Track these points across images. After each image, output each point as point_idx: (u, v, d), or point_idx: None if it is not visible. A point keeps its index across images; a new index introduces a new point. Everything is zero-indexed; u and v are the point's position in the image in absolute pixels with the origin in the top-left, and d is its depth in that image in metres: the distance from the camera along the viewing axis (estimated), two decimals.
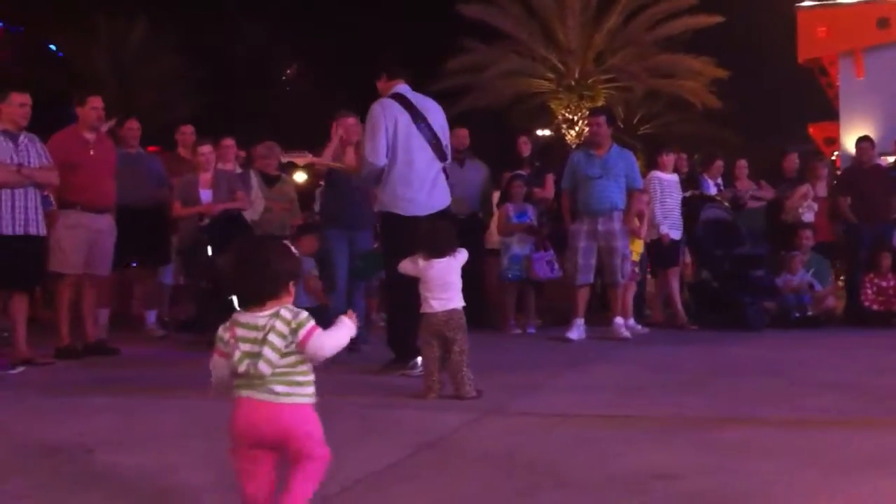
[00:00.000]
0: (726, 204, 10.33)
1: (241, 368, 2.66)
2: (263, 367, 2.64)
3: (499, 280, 9.42)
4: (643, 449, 4.03)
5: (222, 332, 2.74)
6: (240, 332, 2.69)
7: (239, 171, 8.85)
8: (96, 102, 7.67)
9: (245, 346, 2.67)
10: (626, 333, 8.48)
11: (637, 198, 8.73)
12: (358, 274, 7.70)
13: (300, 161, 7.04)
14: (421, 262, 5.31)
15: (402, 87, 6.50)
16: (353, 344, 7.35)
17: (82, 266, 7.48)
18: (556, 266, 9.06)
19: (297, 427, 2.68)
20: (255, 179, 8.51)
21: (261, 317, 2.68)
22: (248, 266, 2.76)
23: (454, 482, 3.54)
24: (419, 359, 5.79)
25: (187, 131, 9.86)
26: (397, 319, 6.31)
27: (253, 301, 2.72)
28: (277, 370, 2.66)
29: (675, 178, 9.82)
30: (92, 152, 7.57)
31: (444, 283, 5.38)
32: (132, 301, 9.94)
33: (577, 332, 8.36)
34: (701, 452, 3.98)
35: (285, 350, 2.67)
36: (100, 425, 4.70)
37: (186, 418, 4.85)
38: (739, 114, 24.06)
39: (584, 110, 23.12)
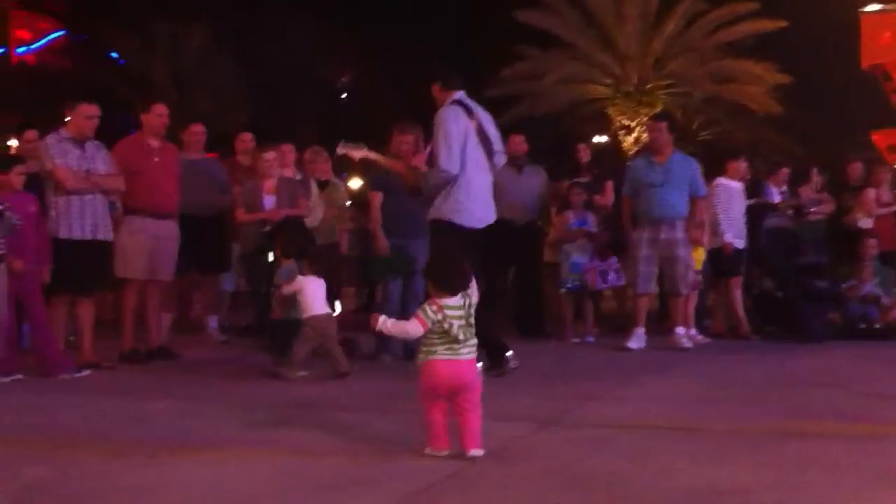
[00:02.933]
0: (789, 212, 10.15)
1: (461, 336, 3.97)
2: (469, 334, 4.01)
3: (558, 289, 9.37)
4: (705, 463, 3.97)
5: (431, 313, 3.96)
6: (448, 312, 3.97)
7: (299, 177, 8.91)
8: (161, 109, 7.79)
9: (456, 322, 3.96)
10: (688, 343, 8.37)
11: (700, 206, 8.61)
12: (379, 272, 7.67)
13: (356, 154, 7.00)
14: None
15: (460, 95, 6.52)
16: (414, 354, 7.41)
17: (146, 271, 7.60)
18: (615, 275, 8.96)
19: (475, 378, 4.04)
20: (314, 186, 8.56)
21: (457, 301, 4.00)
22: (455, 268, 4.11)
23: (512, 494, 3.54)
24: (510, 353, 6.28)
25: (246, 139, 9.94)
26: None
27: (455, 291, 4.02)
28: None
29: (740, 185, 9.64)
30: (156, 159, 7.69)
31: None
32: (193, 306, 10.08)
33: (637, 341, 8.28)
34: (763, 467, 3.92)
35: None
36: (163, 429, 4.77)
37: (247, 422, 4.91)
38: (801, 120, 23.65)
39: (641, 117, 22.91)
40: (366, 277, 7.68)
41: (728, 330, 9.51)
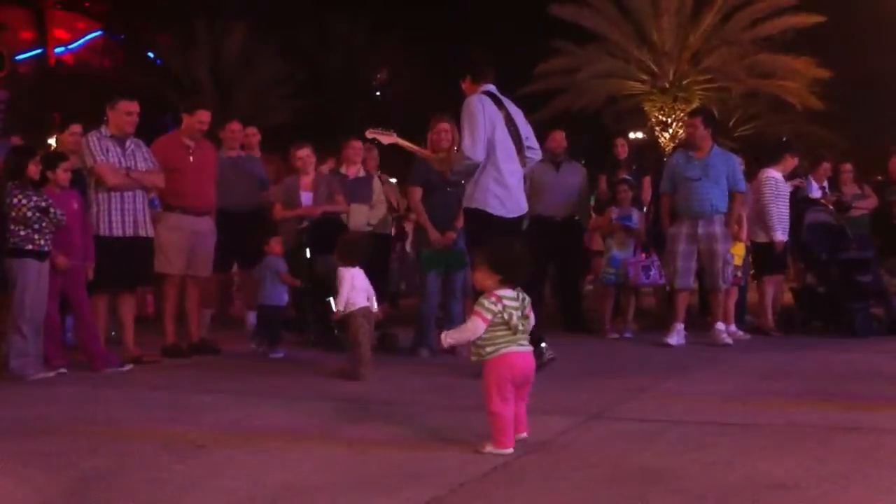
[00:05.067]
0: (831, 207, 10.01)
1: (520, 327, 3.98)
2: (526, 326, 4.03)
3: (597, 284, 9.31)
4: (754, 457, 3.93)
5: (490, 305, 3.93)
6: (507, 303, 3.95)
7: (363, 174, 8.81)
8: (204, 117, 7.83)
9: (515, 313, 3.95)
10: (728, 339, 8.28)
11: (739, 201, 8.51)
12: (434, 266, 7.62)
13: (385, 140, 7.01)
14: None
15: (490, 88, 6.48)
16: (415, 349, 7.45)
17: (184, 267, 7.66)
18: (657, 272, 8.88)
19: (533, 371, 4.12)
20: (377, 181, 8.56)
21: (515, 294, 4.00)
22: (520, 261, 4.09)
23: (559, 487, 3.51)
24: (544, 344, 6.14)
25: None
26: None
27: (516, 284, 4.02)
28: None
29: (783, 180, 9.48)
30: (192, 158, 7.75)
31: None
32: (233, 302, 10.14)
33: (676, 337, 8.20)
34: (813, 462, 3.86)
35: None
36: (210, 421, 4.79)
37: (294, 414, 4.92)
38: (842, 115, 23.36)
39: (678, 112, 22.77)
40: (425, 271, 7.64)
41: (778, 324, 9.32)
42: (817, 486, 3.45)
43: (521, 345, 4.02)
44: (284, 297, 7.63)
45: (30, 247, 6.27)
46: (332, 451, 4.13)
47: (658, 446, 4.18)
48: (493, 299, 3.96)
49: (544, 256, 9.43)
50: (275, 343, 7.54)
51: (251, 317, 9.27)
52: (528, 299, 4.07)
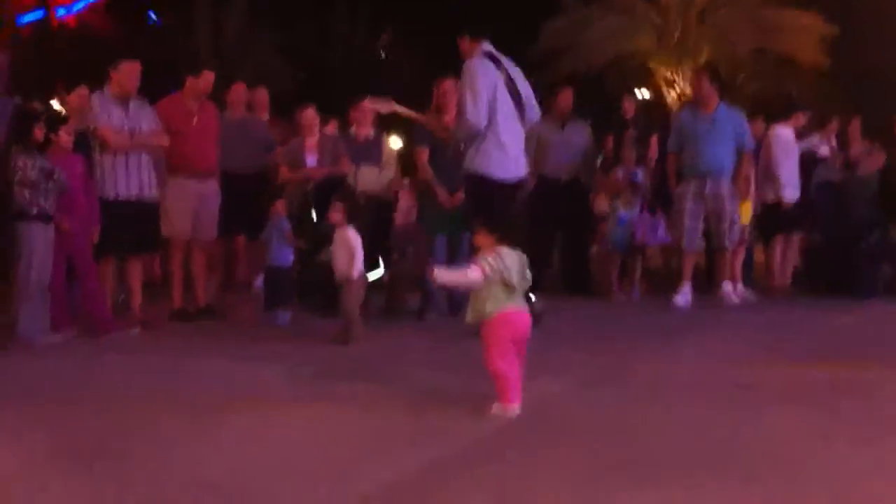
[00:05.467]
0: (838, 166, 9.94)
1: (519, 286, 4.05)
2: (524, 286, 4.11)
3: (603, 245, 9.27)
4: (761, 418, 3.94)
5: (492, 260, 4.00)
6: (507, 261, 4.01)
7: (374, 134, 8.71)
8: (210, 77, 7.79)
9: (514, 271, 4.03)
10: (735, 300, 8.26)
11: (747, 159, 8.44)
12: (440, 228, 7.59)
13: (384, 109, 7.00)
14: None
15: (487, 46, 6.44)
16: (422, 313, 7.44)
17: (190, 231, 7.64)
18: (663, 231, 8.85)
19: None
20: (387, 145, 8.51)
21: (515, 253, 4.07)
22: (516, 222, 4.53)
23: (563, 450, 3.51)
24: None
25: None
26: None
27: (514, 244, 4.10)
28: None
29: (793, 138, 9.39)
30: (195, 120, 7.68)
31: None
32: (239, 267, 10.13)
33: (683, 298, 8.18)
34: (817, 421, 3.88)
35: None
36: (217, 385, 4.81)
37: (301, 378, 4.94)
38: (851, 72, 23.12)
39: (685, 70, 22.53)
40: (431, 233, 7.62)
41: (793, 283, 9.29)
42: (825, 445, 3.47)
43: (519, 304, 4.09)
44: (290, 258, 7.59)
45: (35, 210, 6.24)
46: (333, 414, 4.15)
47: (659, 409, 4.18)
48: (495, 256, 4.02)
49: (550, 219, 9.42)
50: (283, 304, 7.54)
51: (258, 281, 9.27)
52: (526, 260, 4.13)
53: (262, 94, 9.75)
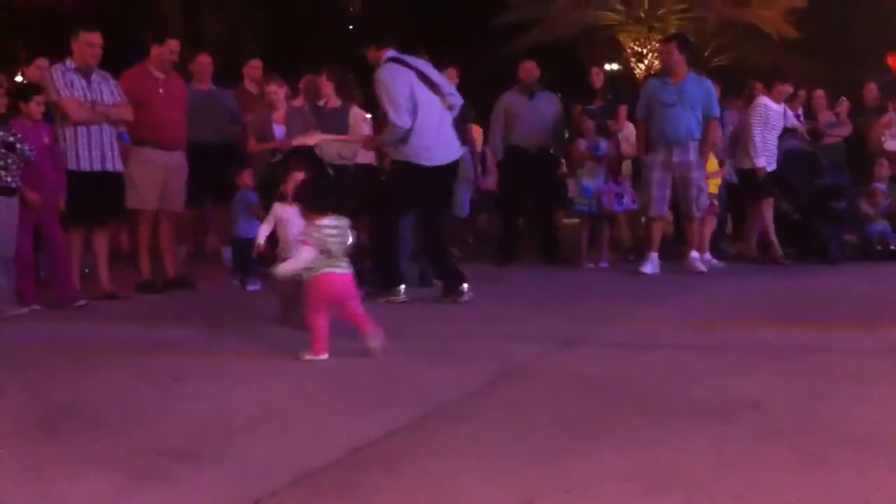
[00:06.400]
0: (805, 136, 10.03)
1: (336, 251, 4.49)
2: (344, 252, 4.55)
3: (567, 212, 9.33)
4: (725, 378, 3.98)
5: (312, 231, 4.47)
6: (325, 231, 4.48)
7: (339, 104, 8.64)
8: (174, 45, 7.78)
9: (331, 240, 4.48)
10: (703, 267, 8.31)
11: (713, 126, 8.48)
12: None
13: (311, 141, 7.35)
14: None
15: (392, 53, 6.68)
16: (424, 279, 7.46)
17: (157, 202, 7.59)
18: (630, 199, 8.90)
19: (354, 287, 4.67)
20: (353, 114, 8.44)
21: (331, 222, 4.51)
22: (325, 190, 4.75)
23: (534, 409, 3.55)
24: (402, 287, 6.61)
25: (255, 65, 9.83)
26: (381, 250, 6.72)
27: (326, 211, 4.52)
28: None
29: (782, 108, 9.44)
30: (161, 90, 7.61)
31: None
32: (207, 237, 10.06)
33: (651, 266, 8.22)
34: (785, 380, 3.93)
35: None
36: (184, 354, 4.79)
37: (266, 346, 4.93)
38: (817, 43, 23.25)
39: (653, 43, 22.54)
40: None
41: (762, 252, 9.39)
42: (788, 404, 3.51)
43: (339, 266, 4.54)
44: (254, 226, 7.56)
45: None
46: (307, 379, 4.15)
47: (630, 369, 4.23)
48: (316, 227, 4.49)
49: (519, 187, 9.47)
50: (251, 276, 7.53)
51: (226, 251, 9.22)
52: (348, 226, 4.59)
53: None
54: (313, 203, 4.59)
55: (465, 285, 6.57)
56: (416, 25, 21.80)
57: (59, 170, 6.76)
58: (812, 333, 5.09)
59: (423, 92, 6.56)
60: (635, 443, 3.04)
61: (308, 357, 4.45)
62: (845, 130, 10.65)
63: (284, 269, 4.67)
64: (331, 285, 4.52)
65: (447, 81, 6.77)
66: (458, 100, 6.92)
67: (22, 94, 6.53)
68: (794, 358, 4.38)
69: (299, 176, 5.50)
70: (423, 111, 6.50)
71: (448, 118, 6.77)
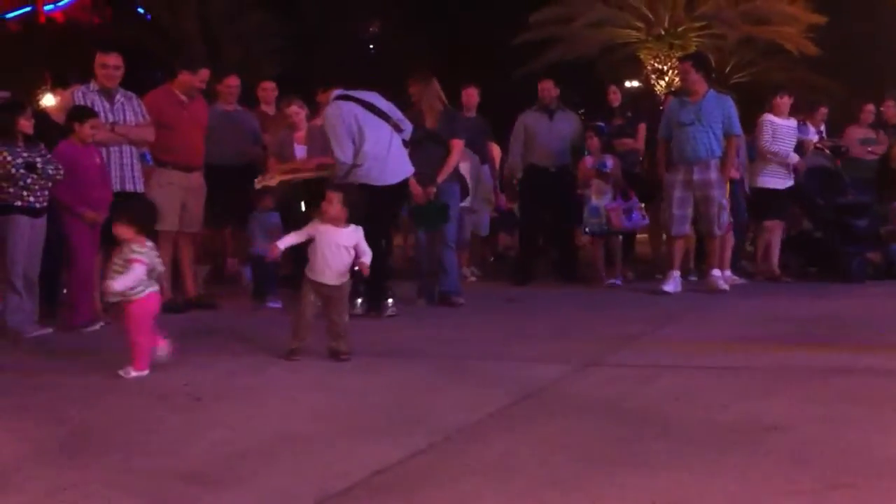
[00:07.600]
0: (828, 152, 9.96)
1: (160, 270, 4.94)
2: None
3: (581, 234, 9.33)
4: (750, 400, 3.95)
5: (144, 249, 4.79)
6: (154, 252, 4.88)
7: None
8: (205, 75, 7.96)
9: (157, 260, 4.90)
10: (725, 286, 8.27)
11: (734, 143, 8.43)
12: (417, 223, 7.85)
13: (272, 182, 7.51)
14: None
15: (339, 91, 7.03)
16: (449, 298, 7.47)
17: (177, 223, 7.62)
18: (640, 215, 8.89)
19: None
20: None
21: (150, 243, 4.91)
22: (153, 214, 5.31)
23: (555, 431, 3.52)
24: (390, 301, 6.92)
25: (268, 87, 9.89)
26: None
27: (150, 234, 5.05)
28: None
29: (791, 123, 9.42)
30: (185, 113, 7.69)
31: None
32: (228, 259, 10.08)
33: (672, 284, 8.19)
34: (809, 402, 3.89)
35: None
36: (204, 375, 4.80)
37: (288, 366, 4.93)
38: (838, 60, 23.17)
39: (673, 60, 22.53)
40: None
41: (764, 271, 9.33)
42: (813, 428, 3.47)
43: (154, 286, 4.87)
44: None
45: (18, 203, 6.22)
46: (328, 400, 4.15)
47: (652, 391, 4.20)
48: (143, 246, 4.79)
49: (538, 207, 9.47)
50: (270, 293, 7.56)
51: (247, 271, 9.24)
52: (154, 246, 4.94)
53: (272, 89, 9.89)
54: (140, 224, 4.83)
55: (390, 300, 6.93)
56: (435, 45, 21.91)
57: (108, 191, 6.82)
58: (835, 355, 5.04)
59: (371, 120, 6.91)
60: (658, 466, 3.02)
61: (133, 373, 4.65)
62: (881, 148, 10.53)
63: (117, 285, 4.73)
64: (156, 305, 4.88)
65: (394, 107, 7.16)
66: (407, 125, 7.20)
67: (79, 115, 6.60)
68: (817, 380, 4.34)
69: (336, 198, 5.44)
70: (369, 143, 6.83)
71: (398, 141, 7.07)
